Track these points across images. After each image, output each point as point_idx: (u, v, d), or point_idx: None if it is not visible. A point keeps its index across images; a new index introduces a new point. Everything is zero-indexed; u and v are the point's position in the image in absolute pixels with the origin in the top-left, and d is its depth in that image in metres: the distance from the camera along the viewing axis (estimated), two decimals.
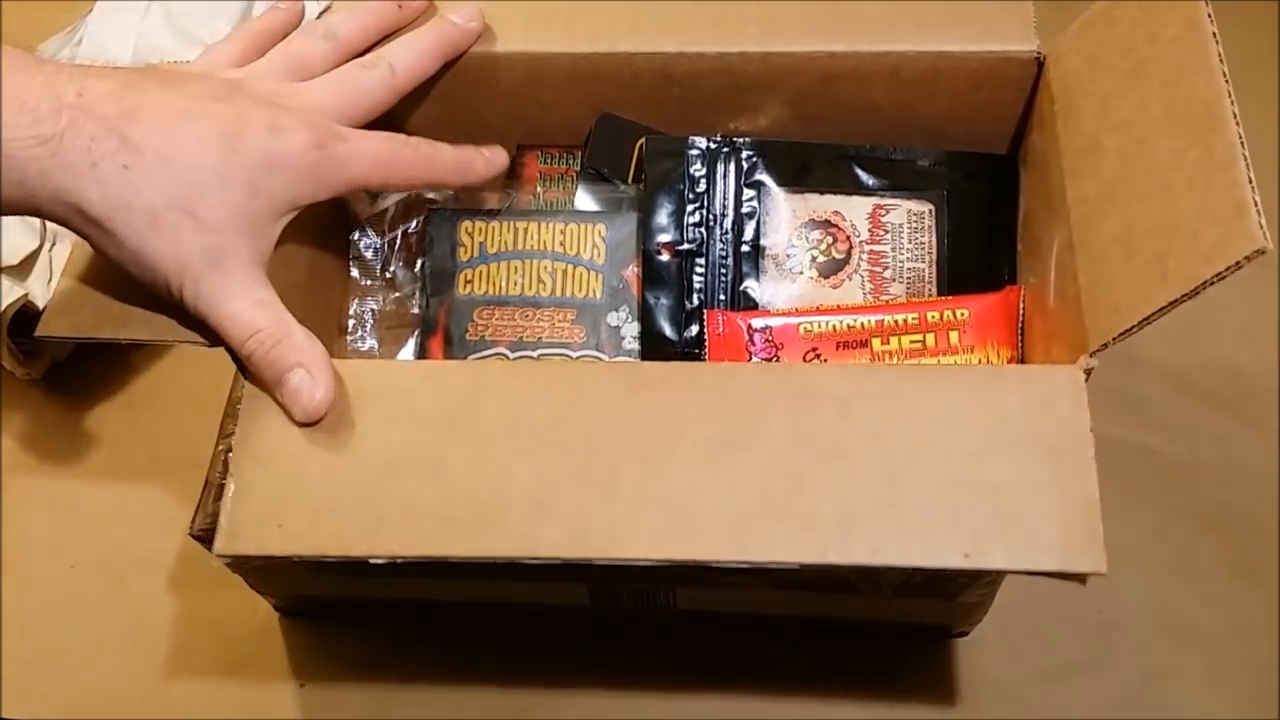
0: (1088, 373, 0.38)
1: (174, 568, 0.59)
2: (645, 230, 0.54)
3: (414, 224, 0.57)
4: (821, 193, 0.54)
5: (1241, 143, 0.34)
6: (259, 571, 0.52)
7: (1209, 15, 0.38)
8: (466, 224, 0.56)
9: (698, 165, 0.54)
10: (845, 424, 0.40)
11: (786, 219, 0.54)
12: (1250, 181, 0.34)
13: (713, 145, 0.54)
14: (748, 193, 0.54)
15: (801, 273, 0.53)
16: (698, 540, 0.39)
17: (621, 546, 0.39)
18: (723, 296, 0.53)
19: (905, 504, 0.38)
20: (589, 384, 0.42)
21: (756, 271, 0.54)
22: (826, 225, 0.53)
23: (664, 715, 0.54)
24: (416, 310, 0.56)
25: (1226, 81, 0.36)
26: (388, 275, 0.57)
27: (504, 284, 0.55)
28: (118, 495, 0.61)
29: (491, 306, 0.54)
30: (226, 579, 0.53)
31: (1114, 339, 0.37)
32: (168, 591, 0.58)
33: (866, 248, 0.53)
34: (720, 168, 0.54)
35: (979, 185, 0.54)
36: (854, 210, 0.54)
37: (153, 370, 0.65)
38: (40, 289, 0.59)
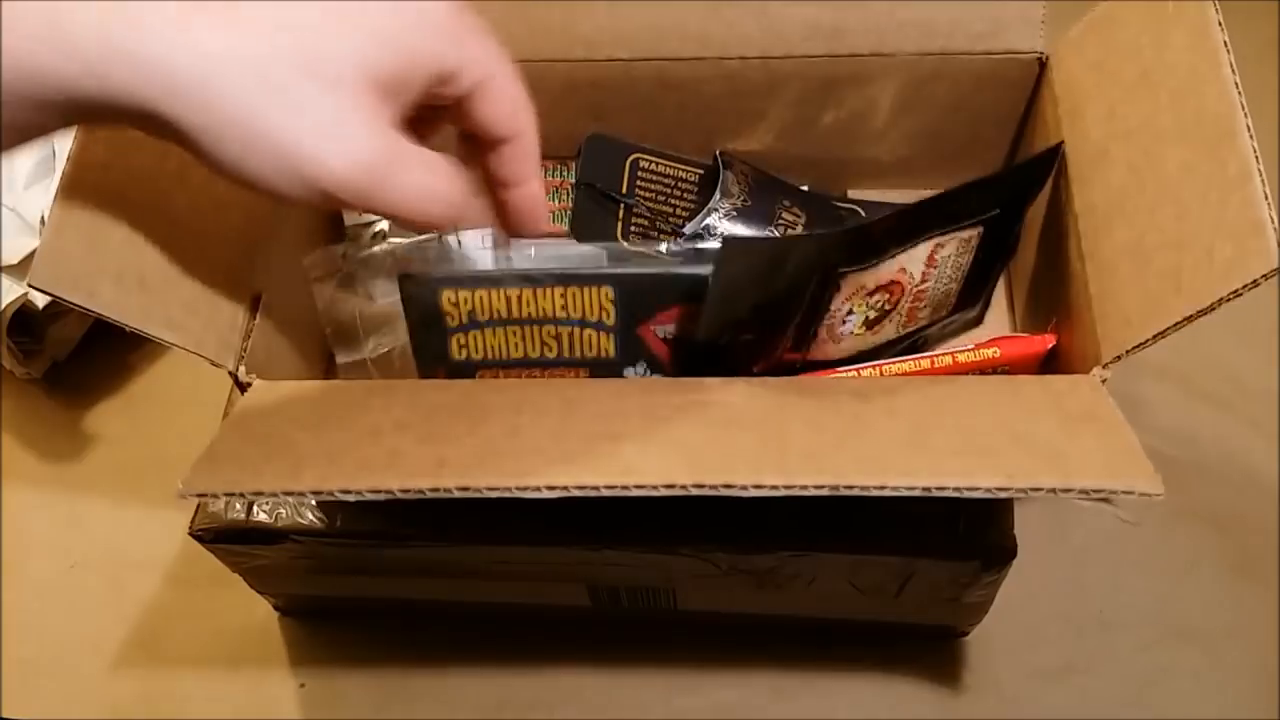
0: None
1: (174, 568, 0.59)
2: (708, 322, 0.44)
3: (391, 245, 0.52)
4: (893, 255, 0.47)
5: (1256, 157, 0.34)
6: (259, 571, 0.52)
7: (1219, 23, 0.37)
8: (448, 293, 0.46)
9: (770, 260, 0.44)
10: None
11: (851, 293, 0.47)
12: (1266, 198, 0.33)
13: (778, 232, 0.50)
14: (815, 281, 0.46)
15: (851, 332, 0.49)
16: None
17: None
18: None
19: (939, 449, 0.35)
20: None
21: (805, 341, 0.48)
22: (889, 286, 0.48)
23: (664, 715, 0.54)
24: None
25: (1239, 93, 0.36)
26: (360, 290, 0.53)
27: (504, 349, 0.48)
28: (118, 495, 0.61)
29: (495, 368, 0.48)
30: (226, 579, 0.53)
31: (1127, 351, 0.37)
32: (168, 591, 0.58)
33: (914, 289, 0.49)
34: (790, 260, 0.44)
35: (1026, 199, 0.49)
36: (914, 261, 0.48)
37: (153, 370, 0.65)
38: None
